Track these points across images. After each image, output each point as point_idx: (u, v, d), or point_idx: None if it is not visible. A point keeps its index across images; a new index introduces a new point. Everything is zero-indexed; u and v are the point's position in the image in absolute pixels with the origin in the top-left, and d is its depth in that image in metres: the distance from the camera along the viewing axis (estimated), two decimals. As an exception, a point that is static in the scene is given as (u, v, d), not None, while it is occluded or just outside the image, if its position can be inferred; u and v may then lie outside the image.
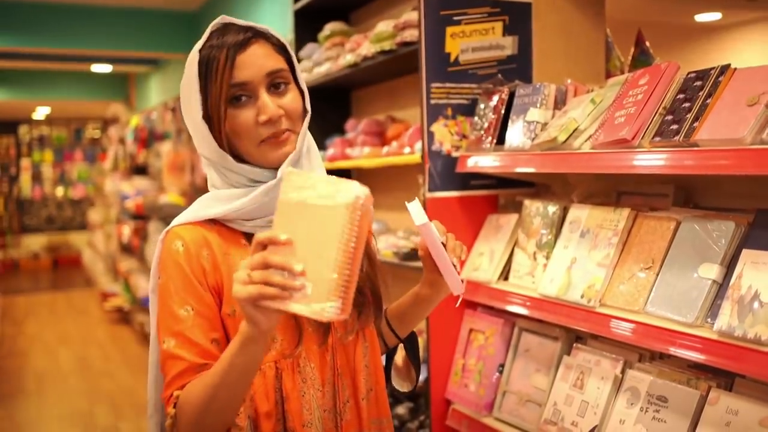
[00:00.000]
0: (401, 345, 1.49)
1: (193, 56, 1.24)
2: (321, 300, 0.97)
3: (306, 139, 1.29)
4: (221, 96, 1.20)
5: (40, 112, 13.33)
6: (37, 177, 14.34)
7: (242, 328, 1.05)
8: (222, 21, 1.26)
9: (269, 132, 1.22)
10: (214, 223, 1.25)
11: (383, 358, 1.45)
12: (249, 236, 1.25)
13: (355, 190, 0.98)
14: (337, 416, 1.27)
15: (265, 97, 1.21)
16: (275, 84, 1.24)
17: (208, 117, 1.22)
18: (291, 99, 1.25)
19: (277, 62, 1.24)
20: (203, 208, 1.26)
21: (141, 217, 7.67)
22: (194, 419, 1.12)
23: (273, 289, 0.97)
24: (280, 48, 1.27)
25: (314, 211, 0.99)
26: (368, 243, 1.37)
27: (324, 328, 1.27)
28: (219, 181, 1.28)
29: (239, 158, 1.25)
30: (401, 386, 1.50)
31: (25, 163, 14.24)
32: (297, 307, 0.98)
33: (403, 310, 1.45)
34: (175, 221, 1.27)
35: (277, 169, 1.24)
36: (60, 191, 14.43)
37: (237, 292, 0.99)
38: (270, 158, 1.23)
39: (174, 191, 6.80)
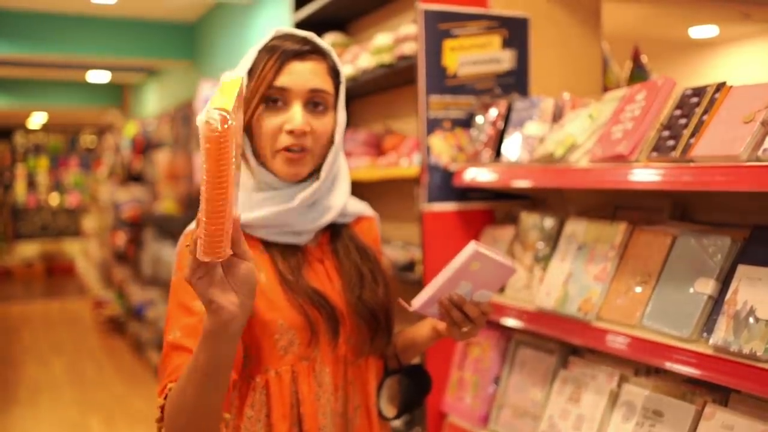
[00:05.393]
0: (400, 372, 1.44)
1: (252, 52, 1.26)
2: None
3: (333, 168, 1.30)
4: (257, 92, 1.22)
5: (36, 119, 13.31)
6: (31, 184, 14.30)
7: (204, 323, 0.99)
8: (286, 29, 1.29)
9: (289, 142, 1.23)
10: None
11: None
12: (265, 243, 1.27)
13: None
14: (347, 422, 1.28)
15: (297, 109, 1.23)
16: (315, 102, 1.25)
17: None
18: (324, 123, 1.26)
19: (325, 83, 1.26)
20: None
21: (136, 225, 7.65)
22: (172, 417, 1.06)
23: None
24: (333, 72, 1.28)
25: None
26: (381, 264, 1.36)
27: (332, 328, 1.26)
28: (247, 178, 1.28)
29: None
30: (387, 411, 1.43)
31: (20, 169, 14.20)
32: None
33: (415, 340, 1.41)
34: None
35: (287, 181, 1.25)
36: (55, 199, 14.39)
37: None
38: (282, 171, 1.24)
39: (170, 199, 6.78)
